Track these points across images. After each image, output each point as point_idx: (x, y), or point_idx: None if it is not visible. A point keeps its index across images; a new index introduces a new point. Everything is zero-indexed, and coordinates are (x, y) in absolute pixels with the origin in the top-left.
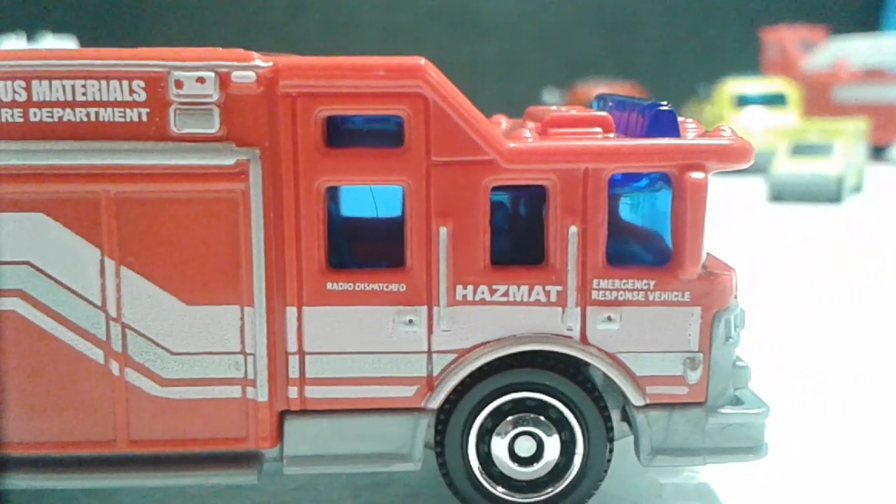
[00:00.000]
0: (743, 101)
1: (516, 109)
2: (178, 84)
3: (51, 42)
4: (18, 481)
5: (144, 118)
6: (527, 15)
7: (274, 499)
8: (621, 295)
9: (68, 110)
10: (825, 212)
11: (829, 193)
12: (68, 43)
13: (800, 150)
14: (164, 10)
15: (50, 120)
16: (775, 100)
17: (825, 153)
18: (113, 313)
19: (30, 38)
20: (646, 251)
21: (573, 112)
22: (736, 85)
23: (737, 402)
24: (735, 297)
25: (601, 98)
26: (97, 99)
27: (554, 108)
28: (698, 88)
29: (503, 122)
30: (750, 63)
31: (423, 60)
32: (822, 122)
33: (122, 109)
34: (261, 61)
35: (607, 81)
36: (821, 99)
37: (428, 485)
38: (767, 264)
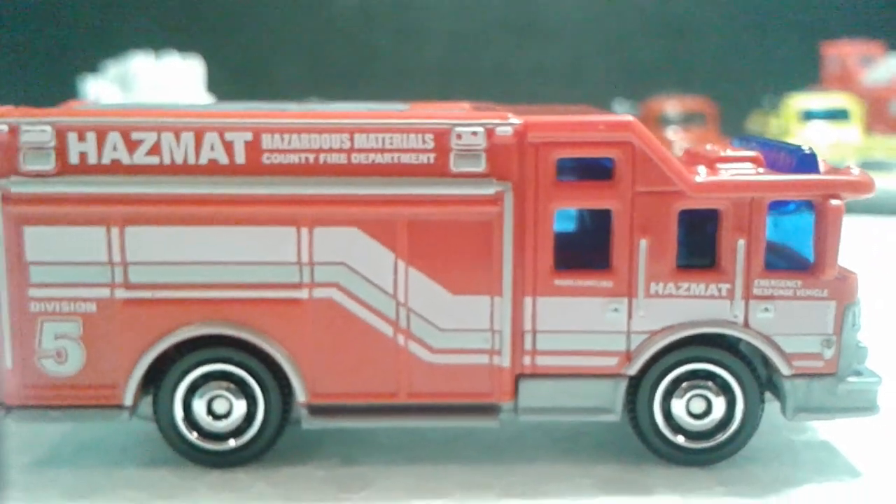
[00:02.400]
0: (808, 116)
1: None
2: (459, 136)
3: (178, 62)
4: (328, 423)
5: (432, 161)
6: (590, 23)
7: (493, 445)
8: (775, 291)
9: (379, 155)
10: (890, 224)
11: (893, 207)
12: (194, 62)
13: (865, 165)
14: (243, 19)
15: (366, 162)
16: (839, 115)
17: (889, 169)
18: (401, 300)
19: (157, 56)
20: (792, 259)
21: (731, 153)
22: (801, 100)
23: (858, 373)
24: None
25: (744, 139)
26: (400, 147)
27: (709, 147)
28: (763, 101)
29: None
30: (808, 75)
31: (631, 117)
32: (885, 139)
33: (416, 154)
34: (515, 119)
35: (678, 96)
36: (880, 113)
37: (614, 438)
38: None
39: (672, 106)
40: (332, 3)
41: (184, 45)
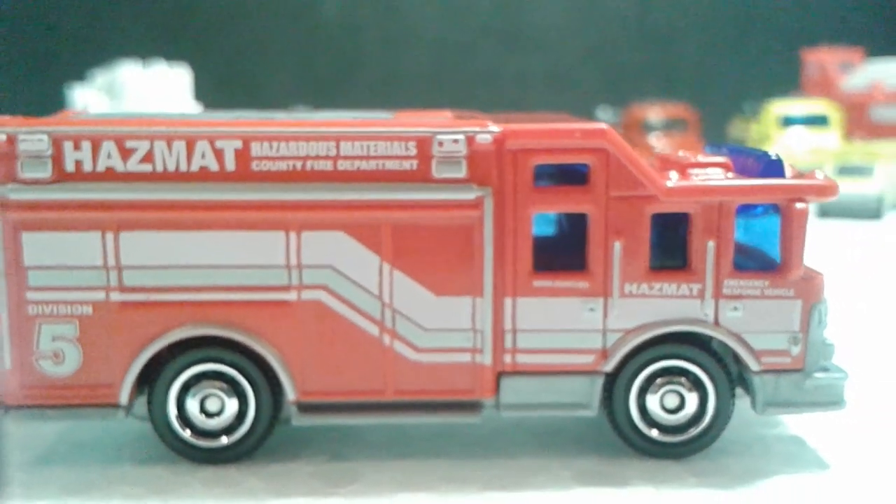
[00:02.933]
0: (787, 122)
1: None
2: (440, 144)
3: (165, 70)
4: (316, 420)
5: (415, 167)
6: (574, 31)
7: (476, 440)
8: (744, 291)
9: (364, 162)
10: (866, 227)
11: (870, 211)
12: (181, 70)
13: (843, 171)
14: (230, 28)
15: (351, 169)
16: (818, 121)
17: (867, 174)
18: (387, 301)
19: (144, 64)
20: (760, 260)
21: (702, 159)
22: (781, 106)
23: (824, 369)
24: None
25: (715, 146)
26: (384, 154)
27: (681, 153)
28: (744, 108)
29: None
30: (788, 82)
31: (605, 125)
32: (863, 144)
33: (400, 161)
34: (494, 127)
35: (660, 102)
36: (859, 119)
37: (591, 433)
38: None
39: (654, 112)
40: (318, 11)
41: (171, 54)
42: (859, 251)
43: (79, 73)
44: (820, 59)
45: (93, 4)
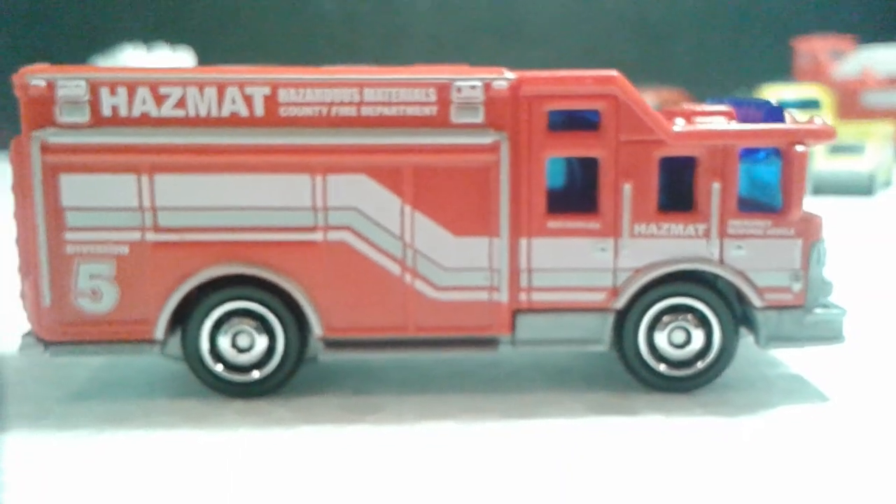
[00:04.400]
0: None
1: None
2: (459, 90)
3: (169, 54)
4: (341, 355)
5: (435, 113)
6: (568, 25)
7: (492, 378)
8: (747, 231)
9: (386, 108)
10: (859, 204)
11: (863, 188)
12: (185, 54)
13: (836, 149)
14: (230, 21)
15: (374, 114)
16: (810, 104)
17: (858, 152)
18: (408, 241)
19: (148, 49)
20: (762, 201)
21: (706, 108)
22: (773, 91)
23: (824, 306)
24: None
25: (716, 98)
26: (405, 100)
27: (685, 105)
28: (738, 94)
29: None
30: (780, 70)
31: (615, 73)
32: (854, 124)
33: (420, 107)
34: (510, 74)
35: (656, 89)
36: (851, 104)
37: (602, 370)
38: None
39: (648, 98)
40: (317, 4)
41: (172, 43)
42: (853, 226)
43: (80, 60)
44: (811, 47)
45: None
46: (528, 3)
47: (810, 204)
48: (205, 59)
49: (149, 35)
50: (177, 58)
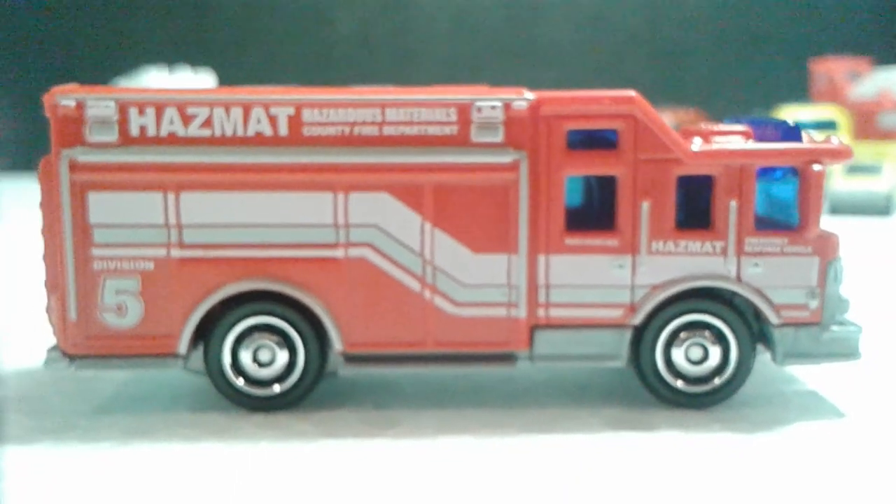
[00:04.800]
0: None
1: None
2: (479, 110)
3: (190, 76)
4: (361, 370)
5: (455, 132)
6: (581, 45)
7: (509, 394)
8: (764, 248)
9: (408, 127)
10: (876, 224)
11: (880, 208)
12: (206, 76)
13: (853, 169)
14: (247, 43)
15: (396, 133)
16: (827, 126)
17: (875, 172)
18: (427, 258)
19: (170, 71)
20: (779, 219)
21: (723, 128)
22: (790, 112)
23: (840, 323)
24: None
25: (734, 117)
26: (427, 120)
27: (703, 125)
28: (755, 114)
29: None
30: (797, 92)
31: (633, 93)
32: (871, 144)
33: (441, 126)
34: (529, 94)
35: (672, 109)
36: (867, 125)
37: (619, 387)
38: None
39: (664, 118)
40: (334, 27)
41: (191, 66)
42: (870, 246)
43: (102, 82)
44: (828, 68)
45: (114, 17)
46: (543, 24)
47: (828, 224)
48: (224, 80)
49: (169, 57)
50: (198, 79)
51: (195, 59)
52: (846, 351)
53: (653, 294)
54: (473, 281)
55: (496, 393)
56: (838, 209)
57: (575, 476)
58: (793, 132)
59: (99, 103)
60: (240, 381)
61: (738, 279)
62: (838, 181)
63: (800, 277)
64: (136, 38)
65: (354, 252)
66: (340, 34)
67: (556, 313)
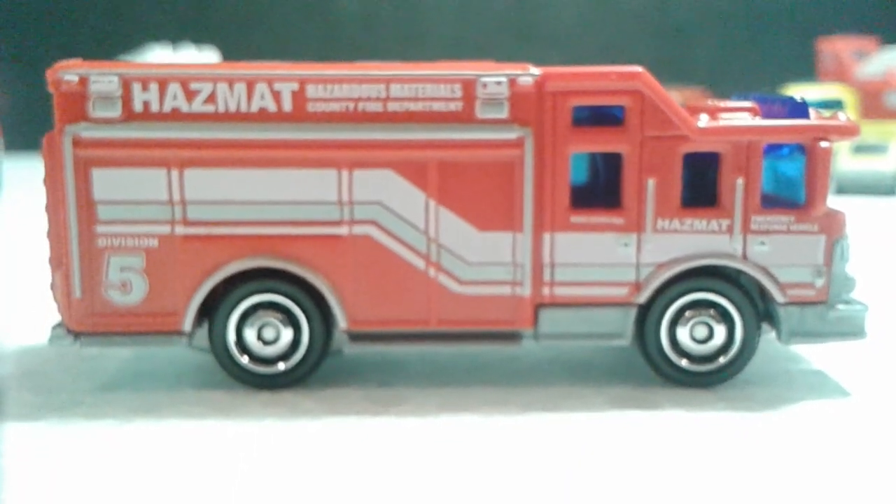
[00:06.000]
0: None
1: None
2: (484, 86)
3: (194, 53)
4: (365, 347)
5: (460, 108)
6: (588, 26)
7: (513, 372)
8: (771, 226)
9: (412, 103)
10: (883, 203)
11: (886, 187)
12: (211, 54)
13: (860, 149)
14: (253, 22)
15: (402, 110)
16: (833, 104)
17: (882, 152)
18: (432, 236)
19: (174, 49)
20: (786, 197)
21: (730, 104)
22: (796, 90)
23: (846, 302)
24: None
25: (741, 94)
26: (431, 96)
27: (709, 102)
28: (763, 94)
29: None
30: (804, 71)
31: (640, 68)
32: (878, 124)
33: (445, 102)
34: (535, 70)
35: (678, 88)
36: (874, 104)
37: (624, 365)
38: None
39: (672, 97)
40: (337, 8)
41: (195, 44)
42: (876, 225)
43: (105, 59)
44: (835, 47)
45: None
46: (548, 3)
47: (834, 203)
48: (228, 58)
49: (173, 35)
50: (202, 57)
51: (200, 37)
52: (852, 330)
53: (658, 272)
54: (478, 259)
55: (500, 371)
56: (844, 189)
57: (579, 454)
58: (800, 109)
59: (102, 78)
60: (244, 359)
61: (744, 257)
62: (845, 161)
63: (806, 256)
64: (141, 16)
65: (359, 229)
66: (344, 14)
67: (560, 291)
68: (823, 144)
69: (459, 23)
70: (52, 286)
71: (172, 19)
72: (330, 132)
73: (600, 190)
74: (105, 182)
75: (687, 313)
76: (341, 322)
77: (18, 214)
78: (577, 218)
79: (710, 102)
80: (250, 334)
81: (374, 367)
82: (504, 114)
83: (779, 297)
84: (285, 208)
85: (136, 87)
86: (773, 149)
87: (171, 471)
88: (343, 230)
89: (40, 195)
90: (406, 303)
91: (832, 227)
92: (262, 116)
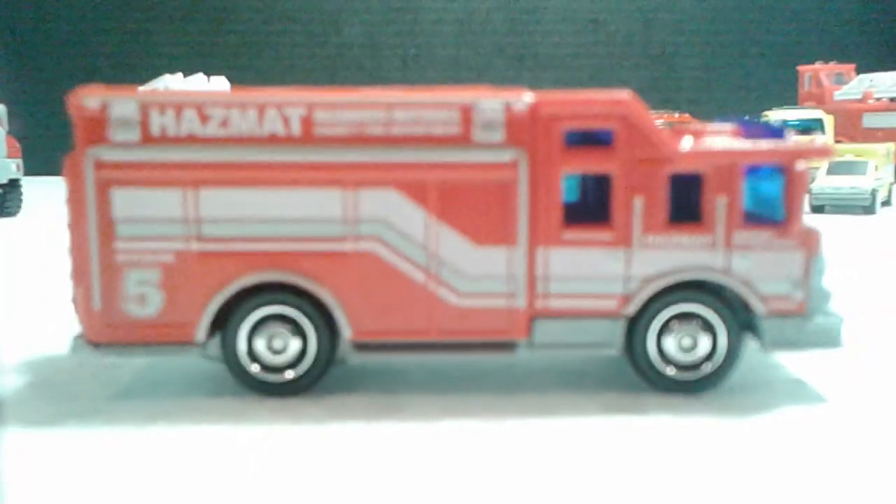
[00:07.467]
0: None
1: None
2: (481, 111)
3: (205, 82)
4: (368, 357)
5: (458, 131)
6: (580, 51)
7: (509, 381)
8: (752, 242)
9: (413, 126)
10: (861, 221)
11: (864, 205)
12: (221, 82)
13: (838, 167)
14: (261, 48)
15: (404, 133)
16: (813, 125)
17: (860, 170)
18: (432, 251)
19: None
20: (766, 214)
21: (712, 128)
22: (778, 112)
23: (824, 313)
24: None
25: (724, 117)
26: (431, 120)
27: (693, 126)
28: (744, 118)
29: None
30: (785, 95)
31: (627, 94)
32: (856, 144)
33: (445, 126)
34: (529, 96)
35: (666, 112)
36: (852, 125)
37: (613, 376)
38: None
39: (657, 120)
40: (343, 33)
41: (205, 72)
42: (854, 241)
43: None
44: (815, 72)
45: (132, 23)
46: (542, 29)
47: (814, 221)
48: (239, 83)
49: (186, 60)
50: (213, 85)
51: (211, 62)
52: (829, 340)
53: (646, 285)
54: (475, 273)
55: (497, 379)
56: (822, 207)
57: (571, 458)
58: (778, 132)
59: (122, 104)
60: (254, 368)
61: (727, 271)
62: (824, 179)
63: (785, 270)
64: (155, 43)
65: (363, 245)
66: (349, 40)
67: (554, 303)
68: (800, 166)
69: (458, 47)
70: (73, 299)
71: (185, 46)
72: (336, 154)
73: (590, 208)
74: (124, 201)
75: (673, 324)
76: (346, 333)
77: (38, 232)
78: (569, 234)
79: (695, 126)
80: (260, 344)
81: (377, 376)
82: (500, 137)
83: (760, 309)
84: (294, 226)
85: (154, 112)
86: (753, 169)
87: (185, 474)
88: (348, 246)
89: (58, 214)
90: (407, 314)
91: (809, 242)
92: (273, 139)
